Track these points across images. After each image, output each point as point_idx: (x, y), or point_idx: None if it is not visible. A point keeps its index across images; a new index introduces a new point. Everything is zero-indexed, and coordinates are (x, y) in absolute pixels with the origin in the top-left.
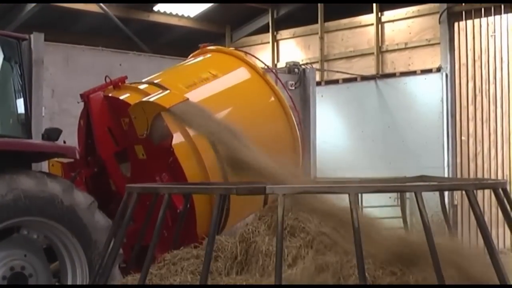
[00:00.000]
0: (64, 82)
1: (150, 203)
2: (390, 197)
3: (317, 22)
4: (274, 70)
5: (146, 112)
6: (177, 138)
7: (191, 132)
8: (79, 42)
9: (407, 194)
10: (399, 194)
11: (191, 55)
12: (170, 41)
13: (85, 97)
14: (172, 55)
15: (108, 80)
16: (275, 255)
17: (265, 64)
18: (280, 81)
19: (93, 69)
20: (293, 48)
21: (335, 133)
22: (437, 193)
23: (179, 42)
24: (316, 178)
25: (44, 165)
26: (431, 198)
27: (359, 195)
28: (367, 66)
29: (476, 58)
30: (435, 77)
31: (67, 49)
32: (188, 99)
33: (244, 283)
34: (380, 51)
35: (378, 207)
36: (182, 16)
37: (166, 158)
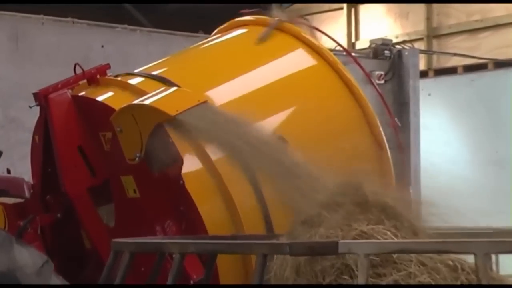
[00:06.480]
0: (11, 75)
1: (151, 269)
2: None
3: None
4: (351, 53)
5: (139, 122)
6: (190, 164)
7: (213, 155)
8: (37, 12)
9: None
10: None
11: (216, 30)
12: (180, 9)
13: (41, 98)
14: (184, 30)
15: (80, 70)
16: None
17: (337, 43)
18: (364, 69)
19: (58, 53)
20: (381, 18)
21: (452, 153)
22: None
23: (195, 12)
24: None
25: None
26: None
27: (492, 255)
28: (505, 45)
29: None
30: None
31: (17, 22)
32: (207, 101)
33: None
34: None
35: None
36: None
37: (173, 195)
